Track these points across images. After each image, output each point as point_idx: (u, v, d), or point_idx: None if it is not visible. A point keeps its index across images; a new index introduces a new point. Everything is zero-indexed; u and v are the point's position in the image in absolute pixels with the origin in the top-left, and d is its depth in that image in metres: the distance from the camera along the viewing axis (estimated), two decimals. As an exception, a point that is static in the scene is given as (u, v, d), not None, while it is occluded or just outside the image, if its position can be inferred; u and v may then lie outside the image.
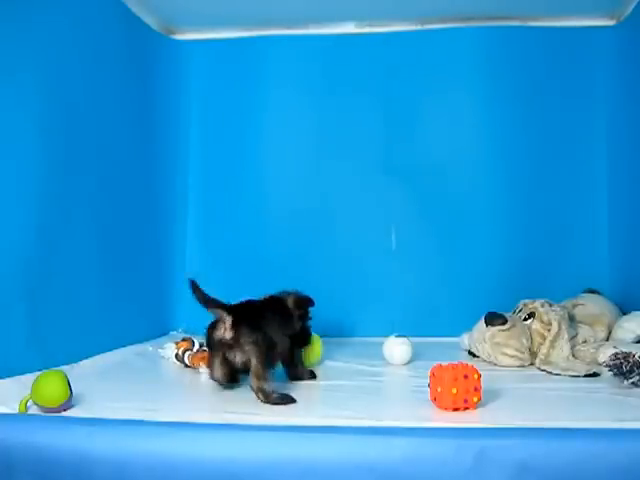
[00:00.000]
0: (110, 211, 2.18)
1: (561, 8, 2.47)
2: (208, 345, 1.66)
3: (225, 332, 1.60)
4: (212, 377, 1.67)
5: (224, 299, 2.60)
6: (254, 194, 2.67)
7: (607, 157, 2.53)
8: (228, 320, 1.60)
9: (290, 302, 1.84)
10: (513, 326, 2.03)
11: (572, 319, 2.10)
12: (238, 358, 1.58)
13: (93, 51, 2.08)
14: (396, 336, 2.06)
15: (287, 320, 1.78)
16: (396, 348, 2.03)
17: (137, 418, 1.30)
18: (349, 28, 2.64)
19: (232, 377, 1.66)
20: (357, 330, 2.38)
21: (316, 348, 1.99)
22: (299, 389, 1.83)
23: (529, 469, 1.12)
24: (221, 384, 1.66)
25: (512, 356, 1.99)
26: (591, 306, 2.20)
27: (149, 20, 2.50)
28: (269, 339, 1.61)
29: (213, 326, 1.64)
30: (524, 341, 2.00)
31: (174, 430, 1.22)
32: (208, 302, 1.63)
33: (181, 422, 1.27)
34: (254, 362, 1.55)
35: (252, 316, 1.63)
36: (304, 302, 1.86)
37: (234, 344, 1.58)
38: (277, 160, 2.68)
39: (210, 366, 1.67)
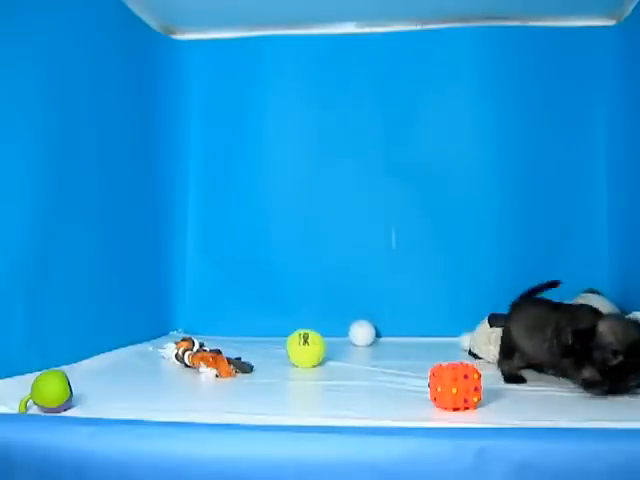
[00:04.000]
0: (110, 211, 2.18)
1: (561, 8, 2.47)
2: None
3: None
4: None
5: (224, 296, 2.62)
6: (254, 194, 2.68)
7: (607, 157, 2.53)
8: None
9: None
10: (518, 327, 2.02)
11: (572, 319, 2.09)
12: None
13: (92, 50, 2.08)
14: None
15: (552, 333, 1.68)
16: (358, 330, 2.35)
17: (138, 418, 1.30)
18: (349, 28, 2.64)
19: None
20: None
21: (319, 349, 1.99)
22: (299, 389, 1.83)
23: (529, 469, 1.12)
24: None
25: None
26: (591, 306, 2.19)
27: (149, 20, 2.50)
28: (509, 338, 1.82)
29: None
30: (529, 342, 2.00)
31: (176, 430, 1.22)
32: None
33: (183, 422, 1.27)
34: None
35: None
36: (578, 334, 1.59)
37: None
38: (277, 160, 2.68)
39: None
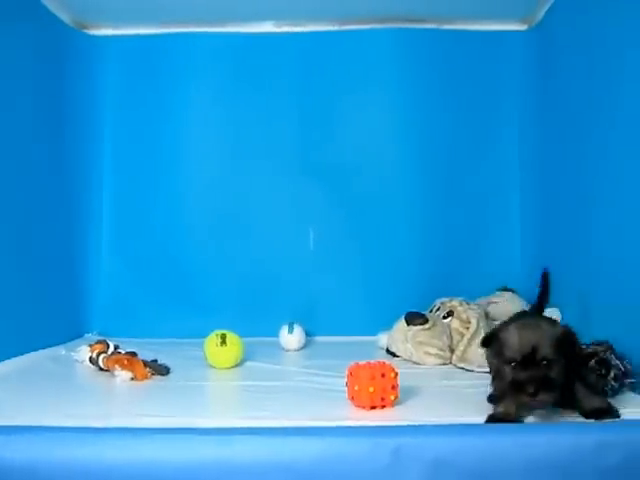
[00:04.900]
0: (20, 210, 2.11)
1: (476, 11, 2.51)
2: None
3: None
4: None
5: (140, 298, 2.53)
6: (170, 194, 2.63)
7: (519, 159, 2.59)
8: None
9: None
10: (434, 325, 2.06)
11: (486, 317, 2.14)
12: None
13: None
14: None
15: None
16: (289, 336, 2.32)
17: (51, 424, 1.26)
18: (268, 27, 2.63)
19: None
20: (275, 330, 2.37)
21: (237, 349, 1.98)
22: (216, 390, 1.82)
23: (445, 465, 1.13)
24: None
25: (434, 355, 2.01)
26: (505, 304, 2.25)
27: (61, 14, 2.43)
28: None
29: None
30: (445, 339, 2.03)
31: (90, 435, 1.19)
32: None
33: (97, 427, 1.24)
34: None
35: None
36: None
37: None
38: (193, 159, 2.64)
39: None
